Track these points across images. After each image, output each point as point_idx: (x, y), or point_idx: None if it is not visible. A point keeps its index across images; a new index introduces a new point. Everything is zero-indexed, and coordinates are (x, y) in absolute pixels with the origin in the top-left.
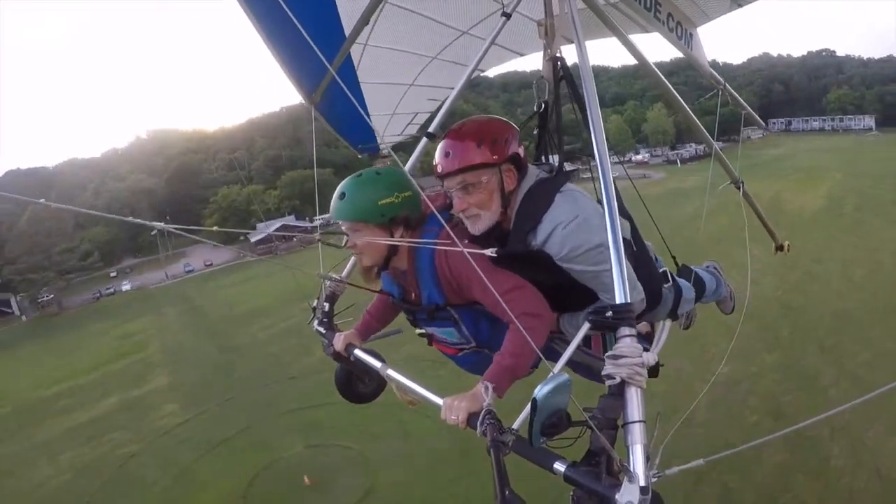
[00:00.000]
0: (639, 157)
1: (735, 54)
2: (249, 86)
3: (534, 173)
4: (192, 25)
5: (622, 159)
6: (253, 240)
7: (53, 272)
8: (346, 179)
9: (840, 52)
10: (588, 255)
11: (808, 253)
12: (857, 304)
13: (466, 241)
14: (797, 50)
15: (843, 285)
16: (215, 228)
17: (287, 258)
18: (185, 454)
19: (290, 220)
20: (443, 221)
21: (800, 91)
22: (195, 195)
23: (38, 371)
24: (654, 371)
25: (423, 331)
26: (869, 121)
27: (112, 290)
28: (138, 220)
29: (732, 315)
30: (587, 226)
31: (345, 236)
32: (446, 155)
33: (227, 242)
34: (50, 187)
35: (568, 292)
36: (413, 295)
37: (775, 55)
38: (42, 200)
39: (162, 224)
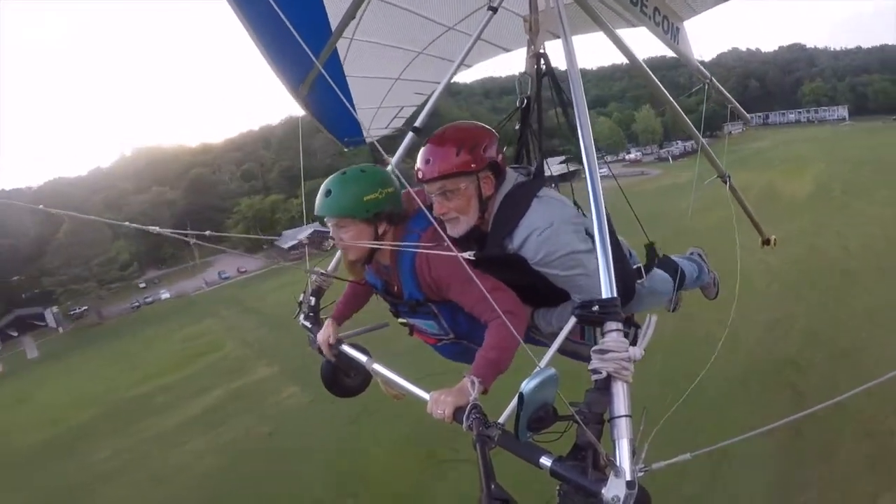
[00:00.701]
0: (631, 155)
1: (704, 50)
2: (237, 99)
3: (512, 178)
4: (175, 41)
5: (617, 158)
6: (285, 246)
7: (94, 283)
8: (332, 176)
9: (808, 45)
10: (561, 261)
11: (808, 231)
12: (858, 266)
13: (447, 244)
14: (766, 44)
15: (842, 254)
16: (264, 237)
17: (322, 263)
18: (331, 426)
19: (316, 226)
20: (432, 219)
21: (775, 85)
22: (214, 206)
23: (107, 377)
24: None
25: (404, 321)
26: (842, 111)
27: (151, 299)
28: (176, 232)
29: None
30: (561, 232)
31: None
32: (427, 161)
33: (253, 250)
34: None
35: (542, 290)
36: (395, 288)
37: (744, 50)
38: (41, 206)
39: (194, 235)
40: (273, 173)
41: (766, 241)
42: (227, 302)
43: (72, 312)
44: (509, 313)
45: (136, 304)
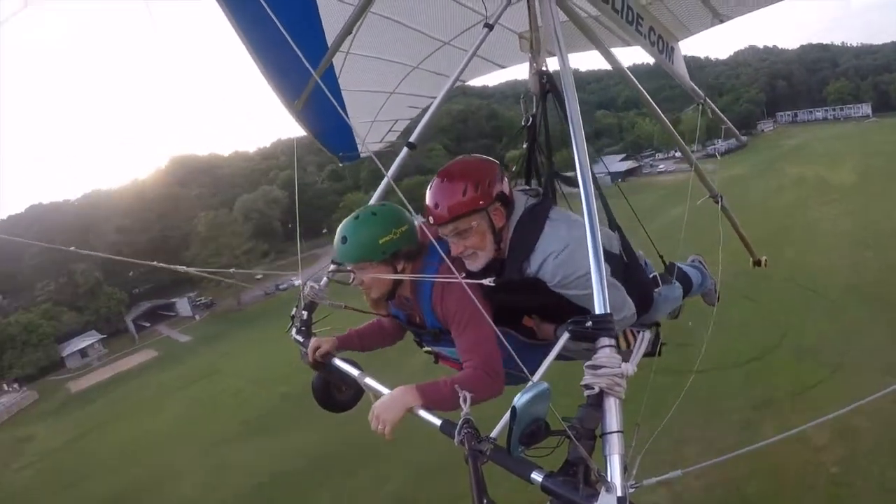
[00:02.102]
0: (677, 154)
1: (721, 48)
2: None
3: (521, 202)
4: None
5: (667, 155)
6: None
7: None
8: (345, 222)
9: (827, 41)
10: (579, 282)
11: (868, 211)
12: None
13: (464, 275)
14: (783, 41)
15: (889, 224)
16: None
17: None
18: None
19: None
20: (443, 255)
21: (801, 84)
22: (312, 204)
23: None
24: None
25: (429, 349)
26: (866, 108)
27: (285, 285)
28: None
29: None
30: (576, 253)
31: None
32: (435, 206)
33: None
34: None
35: (563, 309)
36: (418, 319)
37: (762, 47)
38: (44, 243)
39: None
40: (364, 172)
41: (757, 263)
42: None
43: (198, 302)
44: (489, 374)
45: (272, 289)
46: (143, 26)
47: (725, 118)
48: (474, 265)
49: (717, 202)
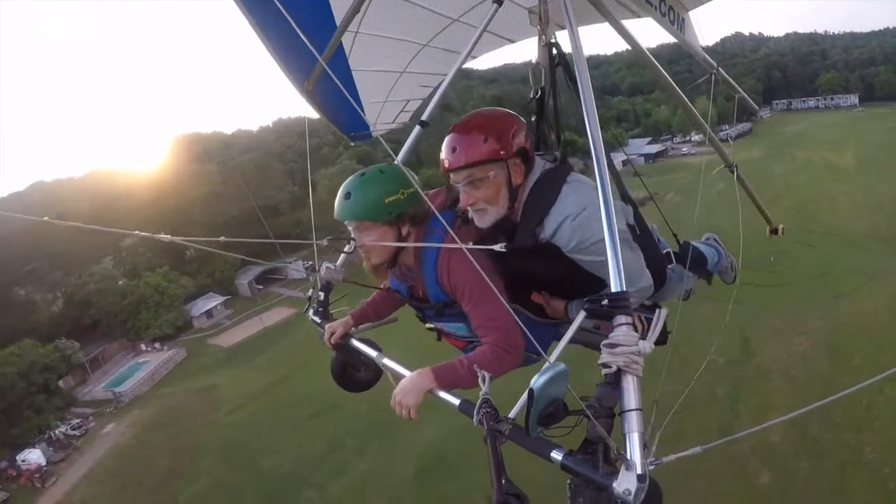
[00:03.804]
0: (697, 137)
1: (707, 35)
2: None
3: (539, 165)
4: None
5: (685, 139)
6: None
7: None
8: (350, 178)
9: (811, 30)
10: (596, 247)
11: (873, 188)
12: None
13: (471, 242)
14: (769, 29)
15: (890, 196)
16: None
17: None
18: None
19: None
20: (446, 225)
21: (795, 76)
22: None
23: None
24: (663, 339)
25: (432, 325)
26: (854, 99)
27: None
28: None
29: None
30: (594, 217)
31: (350, 237)
32: (452, 150)
33: None
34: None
35: (576, 280)
36: (420, 292)
37: (748, 34)
38: (45, 218)
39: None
40: (381, 154)
41: (774, 231)
42: None
43: (307, 265)
44: (506, 349)
45: None
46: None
47: (739, 88)
48: (483, 221)
49: (732, 172)
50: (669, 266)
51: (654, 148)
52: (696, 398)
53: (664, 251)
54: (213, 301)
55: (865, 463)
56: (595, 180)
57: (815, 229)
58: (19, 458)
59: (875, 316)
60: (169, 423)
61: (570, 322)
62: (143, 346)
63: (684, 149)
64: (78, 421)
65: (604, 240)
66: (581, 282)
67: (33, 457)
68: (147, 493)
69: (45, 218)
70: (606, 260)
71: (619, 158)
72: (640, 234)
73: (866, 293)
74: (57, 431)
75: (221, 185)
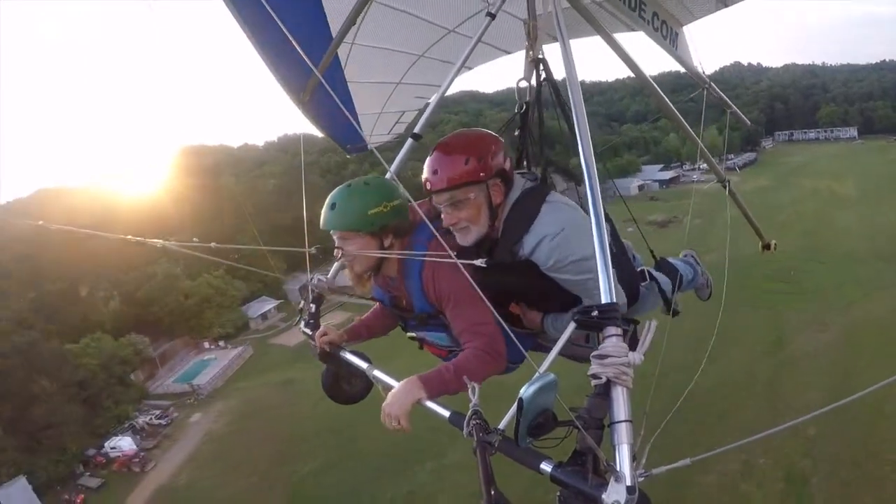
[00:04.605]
0: (704, 165)
1: (705, 64)
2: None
3: (520, 184)
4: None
5: (693, 167)
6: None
7: None
8: (336, 190)
9: (808, 61)
10: (573, 266)
11: (874, 216)
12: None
13: (455, 254)
14: (767, 60)
15: (889, 225)
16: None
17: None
18: None
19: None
20: (434, 231)
21: (796, 108)
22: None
23: None
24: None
25: (413, 335)
26: (853, 131)
27: None
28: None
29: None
30: (572, 238)
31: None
32: (434, 172)
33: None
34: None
35: (552, 296)
36: (404, 302)
37: (746, 64)
38: (40, 222)
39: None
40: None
41: (766, 246)
42: None
43: None
44: (490, 353)
45: None
46: (144, 15)
47: (731, 103)
48: (465, 239)
49: (724, 187)
50: (643, 283)
51: (668, 174)
52: (735, 380)
53: (638, 269)
54: (267, 304)
55: None
56: (587, 196)
57: (825, 249)
58: (108, 445)
59: (884, 318)
60: (256, 414)
61: (545, 333)
62: (206, 345)
63: (694, 176)
64: (159, 412)
65: (580, 260)
66: (556, 297)
67: (125, 444)
68: (260, 475)
69: (40, 222)
70: (582, 279)
71: (634, 183)
72: (615, 251)
73: (874, 301)
74: (140, 420)
75: (267, 195)
